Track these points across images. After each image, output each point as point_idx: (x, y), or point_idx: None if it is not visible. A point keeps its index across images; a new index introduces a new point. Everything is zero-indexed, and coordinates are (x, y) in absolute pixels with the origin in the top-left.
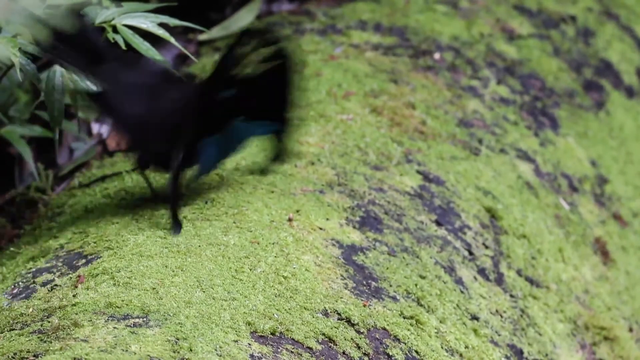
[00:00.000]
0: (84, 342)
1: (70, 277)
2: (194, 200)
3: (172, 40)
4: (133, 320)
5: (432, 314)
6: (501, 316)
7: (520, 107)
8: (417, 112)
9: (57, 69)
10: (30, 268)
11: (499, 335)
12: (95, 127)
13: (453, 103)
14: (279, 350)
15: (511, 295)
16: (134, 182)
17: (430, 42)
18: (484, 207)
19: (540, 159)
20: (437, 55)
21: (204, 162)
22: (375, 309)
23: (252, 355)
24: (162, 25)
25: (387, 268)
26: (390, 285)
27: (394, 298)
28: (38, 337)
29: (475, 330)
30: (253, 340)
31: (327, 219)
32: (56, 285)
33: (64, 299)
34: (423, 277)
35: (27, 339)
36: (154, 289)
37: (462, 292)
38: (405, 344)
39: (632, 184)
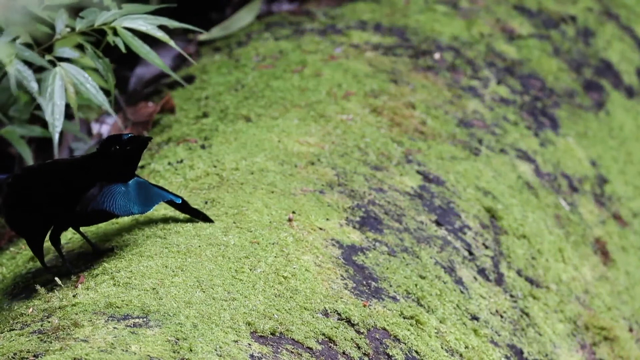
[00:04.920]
0: (84, 342)
1: (70, 277)
2: (194, 201)
3: (172, 43)
4: (133, 320)
5: (432, 314)
6: (501, 316)
7: (520, 107)
8: (417, 112)
9: (57, 72)
10: (30, 268)
11: (499, 335)
12: (95, 127)
13: (453, 103)
14: (279, 350)
15: (511, 296)
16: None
17: (430, 42)
18: (484, 207)
19: (540, 159)
20: (437, 55)
21: (117, 206)
22: (375, 309)
23: (252, 356)
24: (162, 26)
25: (387, 268)
26: (390, 286)
27: (394, 298)
28: (38, 337)
29: (475, 331)
30: (253, 340)
31: (327, 219)
32: (56, 285)
33: (64, 299)
34: (423, 277)
35: (27, 339)
36: (154, 289)
37: (462, 292)
38: (405, 344)
39: (632, 184)
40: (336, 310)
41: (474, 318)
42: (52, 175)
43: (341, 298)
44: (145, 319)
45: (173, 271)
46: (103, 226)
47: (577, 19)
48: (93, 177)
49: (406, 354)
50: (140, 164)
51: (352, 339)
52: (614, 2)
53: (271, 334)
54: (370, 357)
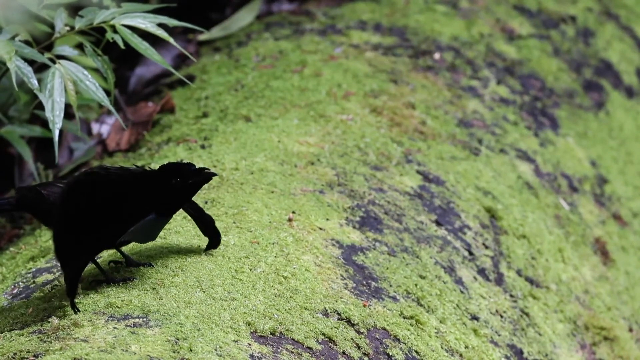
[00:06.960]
0: (84, 342)
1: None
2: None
3: (171, 40)
4: (133, 320)
5: (432, 314)
6: (501, 316)
7: (520, 107)
8: (417, 112)
9: (57, 69)
10: (30, 268)
11: (499, 335)
12: (95, 127)
13: (453, 103)
14: (279, 350)
15: (511, 295)
16: None
17: (430, 42)
18: (484, 207)
19: (540, 159)
20: (437, 56)
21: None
22: (375, 309)
23: (252, 356)
24: (162, 25)
25: (387, 268)
26: (390, 285)
27: (394, 298)
28: (38, 337)
29: (475, 331)
30: (253, 340)
31: (327, 219)
32: (56, 285)
33: (63, 299)
34: (423, 277)
35: (27, 339)
36: (153, 289)
37: (462, 292)
38: (405, 344)
39: (632, 184)
40: (336, 310)
41: (474, 318)
42: (112, 194)
43: (341, 298)
44: (145, 319)
45: (173, 271)
46: None
47: (577, 19)
48: (149, 205)
49: (406, 354)
50: (140, 164)
51: (352, 339)
52: (614, 2)
53: (271, 334)
54: (370, 357)
